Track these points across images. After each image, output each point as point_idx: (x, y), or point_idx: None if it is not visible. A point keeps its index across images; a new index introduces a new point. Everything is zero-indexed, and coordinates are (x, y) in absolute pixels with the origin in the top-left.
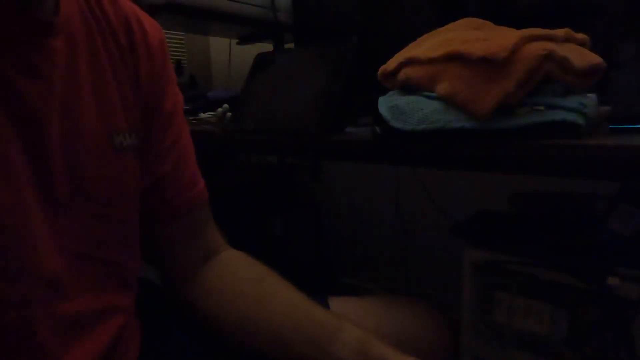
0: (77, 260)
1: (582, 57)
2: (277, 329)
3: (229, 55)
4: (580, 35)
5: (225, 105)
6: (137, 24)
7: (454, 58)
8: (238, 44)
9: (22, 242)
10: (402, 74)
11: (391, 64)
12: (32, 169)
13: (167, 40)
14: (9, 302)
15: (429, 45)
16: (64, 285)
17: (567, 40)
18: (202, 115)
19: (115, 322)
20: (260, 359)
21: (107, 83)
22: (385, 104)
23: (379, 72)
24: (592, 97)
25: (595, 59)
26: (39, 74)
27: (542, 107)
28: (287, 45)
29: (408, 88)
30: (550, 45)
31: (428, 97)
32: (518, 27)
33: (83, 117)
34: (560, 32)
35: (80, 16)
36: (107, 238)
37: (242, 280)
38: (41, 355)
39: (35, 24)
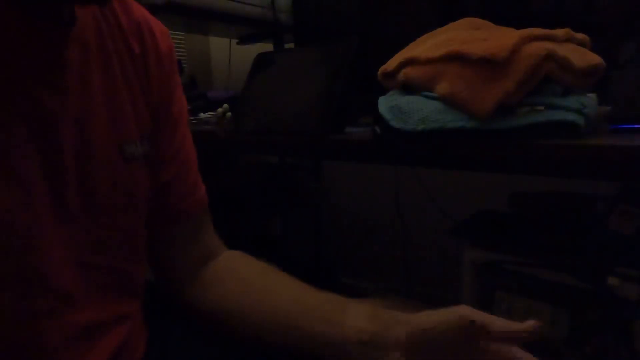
0: (86, 270)
1: (582, 57)
2: (287, 314)
3: (229, 55)
4: (580, 35)
5: (225, 105)
6: (148, 30)
7: (454, 58)
8: (238, 44)
9: (34, 255)
10: (402, 74)
11: (391, 64)
12: (45, 181)
13: None
14: (21, 315)
15: (429, 45)
16: (73, 295)
17: (567, 40)
18: (202, 115)
19: (122, 329)
20: (265, 353)
21: (118, 91)
22: (385, 104)
23: (379, 72)
24: (592, 97)
25: (595, 59)
26: (55, 86)
27: (542, 107)
28: (287, 45)
29: (408, 88)
30: (550, 45)
31: (428, 97)
32: (518, 27)
33: (95, 127)
34: (560, 32)
35: (94, 24)
36: (115, 247)
37: (245, 275)
38: None
39: (53, 36)
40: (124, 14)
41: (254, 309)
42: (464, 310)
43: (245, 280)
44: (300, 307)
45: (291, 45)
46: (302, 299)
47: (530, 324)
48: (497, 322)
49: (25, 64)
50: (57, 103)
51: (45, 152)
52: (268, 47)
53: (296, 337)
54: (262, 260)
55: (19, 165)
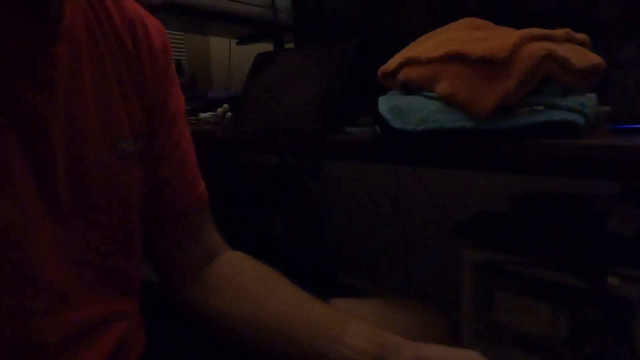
0: (80, 269)
1: (582, 57)
2: (286, 324)
3: (229, 55)
4: (580, 35)
5: (225, 105)
6: (141, 27)
7: (454, 58)
8: (238, 44)
9: (26, 254)
10: (402, 74)
11: (391, 64)
12: (35, 179)
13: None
14: (17, 314)
15: (429, 45)
16: (68, 294)
17: (567, 40)
18: (202, 115)
19: (119, 328)
20: (264, 357)
21: (110, 89)
22: (385, 104)
23: (379, 72)
24: (592, 97)
25: (595, 59)
26: (43, 83)
27: (542, 107)
28: (287, 45)
29: (408, 88)
30: (550, 45)
31: (428, 97)
32: (518, 27)
33: (86, 124)
34: (560, 32)
35: (85, 21)
36: (109, 245)
37: (247, 279)
38: None
39: (40, 32)
40: (117, 10)
41: (253, 315)
42: (478, 357)
43: (247, 285)
44: (300, 319)
45: (291, 45)
46: (302, 310)
47: None
48: None
49: (11, 61)
50: (46, 101)
51: (35, 150)
52: (268, 47)
53: (294, 349)
54: (263, 262)
55: (7, 164)
